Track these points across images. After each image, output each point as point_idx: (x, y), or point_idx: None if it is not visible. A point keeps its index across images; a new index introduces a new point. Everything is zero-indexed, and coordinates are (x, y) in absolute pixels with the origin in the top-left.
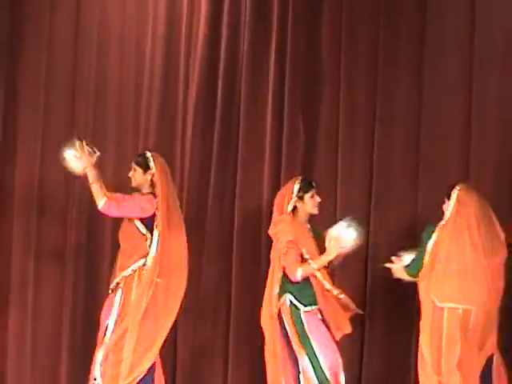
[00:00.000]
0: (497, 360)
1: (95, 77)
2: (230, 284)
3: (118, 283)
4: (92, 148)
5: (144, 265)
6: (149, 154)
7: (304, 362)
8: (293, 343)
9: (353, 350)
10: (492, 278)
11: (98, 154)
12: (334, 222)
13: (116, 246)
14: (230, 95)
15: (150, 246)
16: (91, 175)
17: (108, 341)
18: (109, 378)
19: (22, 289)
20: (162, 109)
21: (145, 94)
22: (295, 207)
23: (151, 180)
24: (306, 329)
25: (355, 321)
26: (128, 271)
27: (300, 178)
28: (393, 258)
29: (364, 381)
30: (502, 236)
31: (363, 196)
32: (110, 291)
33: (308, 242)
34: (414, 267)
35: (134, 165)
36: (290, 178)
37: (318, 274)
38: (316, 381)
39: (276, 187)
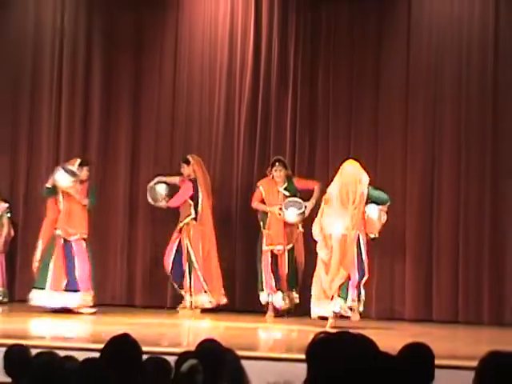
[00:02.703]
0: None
1: (185, 115)
2: None
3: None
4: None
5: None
6: (189, 156)
7: None
8: None
9: None
10: (352, 218)
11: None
12: None
13: None
14: (264, 126)
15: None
16: None
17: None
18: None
19: None
20: (224, 134)
21: (214, 124)
22: (272, 175)
23: (193, 170)
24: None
25: None
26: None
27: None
28: None
29: None
30: (357, 195)
31: None
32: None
33: (270, 193)
34: None
35: (182, 163)
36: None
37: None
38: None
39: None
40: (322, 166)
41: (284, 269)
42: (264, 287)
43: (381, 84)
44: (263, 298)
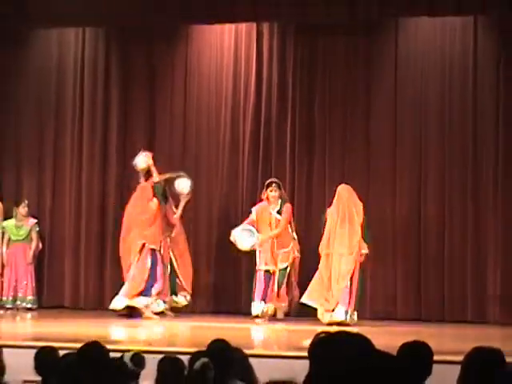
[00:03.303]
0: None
1: (195, 137)
2: None
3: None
4: None
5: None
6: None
7: None
8: None
9: None
10: (353, 236)
11: None
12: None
13: None
14: (266, 145)
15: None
16: None
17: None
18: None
19: None
20: (230, 154)
21: (221, 143)
22: (267, 197)
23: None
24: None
25: None
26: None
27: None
28: None
29: None
30: (356, 216)
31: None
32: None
33: (261, 218)
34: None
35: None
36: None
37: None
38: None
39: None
40: (319, 186)
41: (275, 287)
42: (255, 298)
43: (372, 112)
44: (253, 308)
